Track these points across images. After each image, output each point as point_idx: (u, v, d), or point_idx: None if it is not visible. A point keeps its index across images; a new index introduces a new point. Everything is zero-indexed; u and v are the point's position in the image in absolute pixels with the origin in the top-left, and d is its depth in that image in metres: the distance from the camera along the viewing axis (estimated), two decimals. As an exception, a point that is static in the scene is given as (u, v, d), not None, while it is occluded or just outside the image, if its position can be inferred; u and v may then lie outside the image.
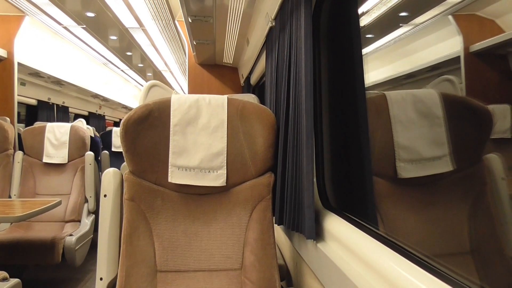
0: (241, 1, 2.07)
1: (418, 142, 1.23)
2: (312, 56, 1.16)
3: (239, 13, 2.27)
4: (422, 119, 1.24)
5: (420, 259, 0.73)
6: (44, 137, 3.30)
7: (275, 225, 1.37)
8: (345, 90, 1.31)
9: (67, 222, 3.14)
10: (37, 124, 3.69)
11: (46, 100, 5.62)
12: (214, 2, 2.15)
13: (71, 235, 2.83)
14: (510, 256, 1.14)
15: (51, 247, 2.67)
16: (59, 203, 2.43)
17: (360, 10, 1.35)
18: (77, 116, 7.05)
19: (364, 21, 2.56)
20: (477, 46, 1.38)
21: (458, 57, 1.44)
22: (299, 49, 1.20)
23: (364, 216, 1.11)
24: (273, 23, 1.72)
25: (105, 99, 7.98)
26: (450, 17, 1.55)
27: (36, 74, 4.87)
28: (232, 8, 2.22)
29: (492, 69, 1.35)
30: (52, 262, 2.69)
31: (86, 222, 3.15)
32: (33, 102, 5.32)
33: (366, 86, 1.21)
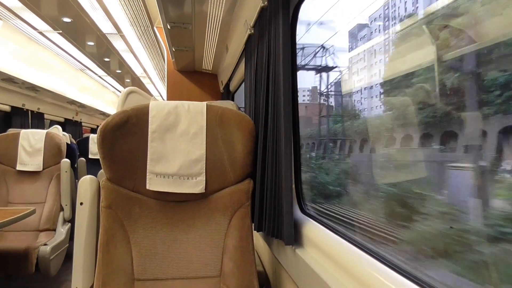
0: (220, 9, 2.08)
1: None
2: (290, 63, 1.17)
3: (218, 20, 2.27)
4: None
5: (394, 264, 0.75)
6: (18, 144, 3.21)
7: (254, 232, 1.37)
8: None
9: (41, 231, 3.05)
10: (11, 130, 3.60)
11: (20, 106, 5.48)
12: (193, 9, 2.14)
13: (45, 244, 2.75)
14: None
15: (25, 257, 2.59)
16: (33, 212, 2.37)
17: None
18: (52, 123, 6.90)
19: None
20: (450, 55, 1.42)
21: (433, 65, 1.48)
22: (278, 57, 1.21)
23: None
24: (252, 31, 1.73)
25: (82, 106, 7.84)
26: (424, 27, 1.60)
27: (10, 79, 4.75)
28: (211, 15, 2.22)
29: (465, 78, 1.40)
30: (26, 273, 2.61)
31: (62, 231, 3.07)
32: (7, 108, 5.19)
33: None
